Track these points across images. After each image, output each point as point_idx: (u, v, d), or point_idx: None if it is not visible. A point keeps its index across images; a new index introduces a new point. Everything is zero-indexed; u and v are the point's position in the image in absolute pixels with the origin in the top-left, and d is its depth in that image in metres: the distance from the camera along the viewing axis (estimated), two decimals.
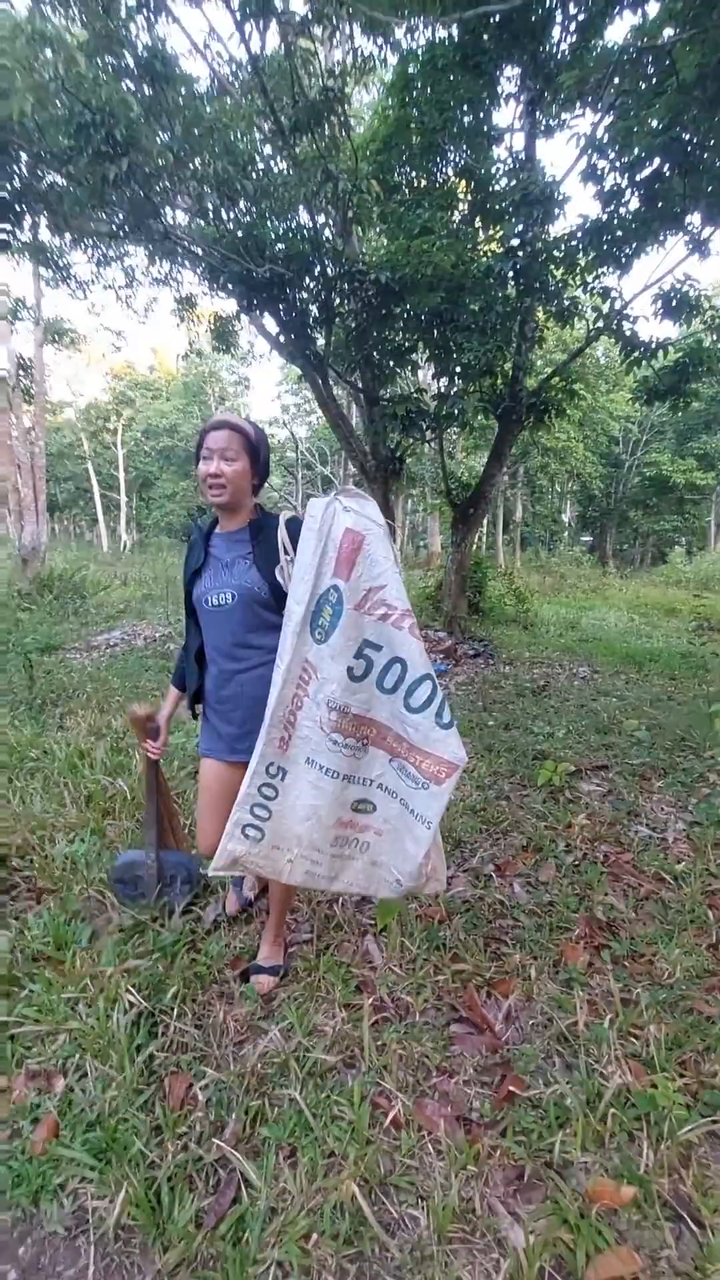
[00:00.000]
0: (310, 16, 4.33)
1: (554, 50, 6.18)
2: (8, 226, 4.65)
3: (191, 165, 4.51)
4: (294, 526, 1.61)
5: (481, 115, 6.91)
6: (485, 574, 10.18)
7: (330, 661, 1.45)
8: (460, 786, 3.41)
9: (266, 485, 1.89)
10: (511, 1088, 1.57)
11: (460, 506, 7.95)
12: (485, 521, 27.10)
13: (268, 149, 6.12)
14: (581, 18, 5.79)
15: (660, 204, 5.76)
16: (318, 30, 4.79)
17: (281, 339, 6.85)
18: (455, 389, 7.14)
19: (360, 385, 7.59)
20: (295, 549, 1.52)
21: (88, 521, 39.10)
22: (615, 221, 5.91)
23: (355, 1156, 1.39)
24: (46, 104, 3.70)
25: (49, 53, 4.66)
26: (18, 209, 4.45)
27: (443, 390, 7.24)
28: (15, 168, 4.37)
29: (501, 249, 6.24)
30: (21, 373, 12.58)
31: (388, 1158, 1.42)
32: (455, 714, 4.57)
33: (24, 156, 4.71)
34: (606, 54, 5.57)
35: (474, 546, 10.13)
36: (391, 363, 7.43)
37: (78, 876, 2.36)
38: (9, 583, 11.53)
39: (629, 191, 5.85)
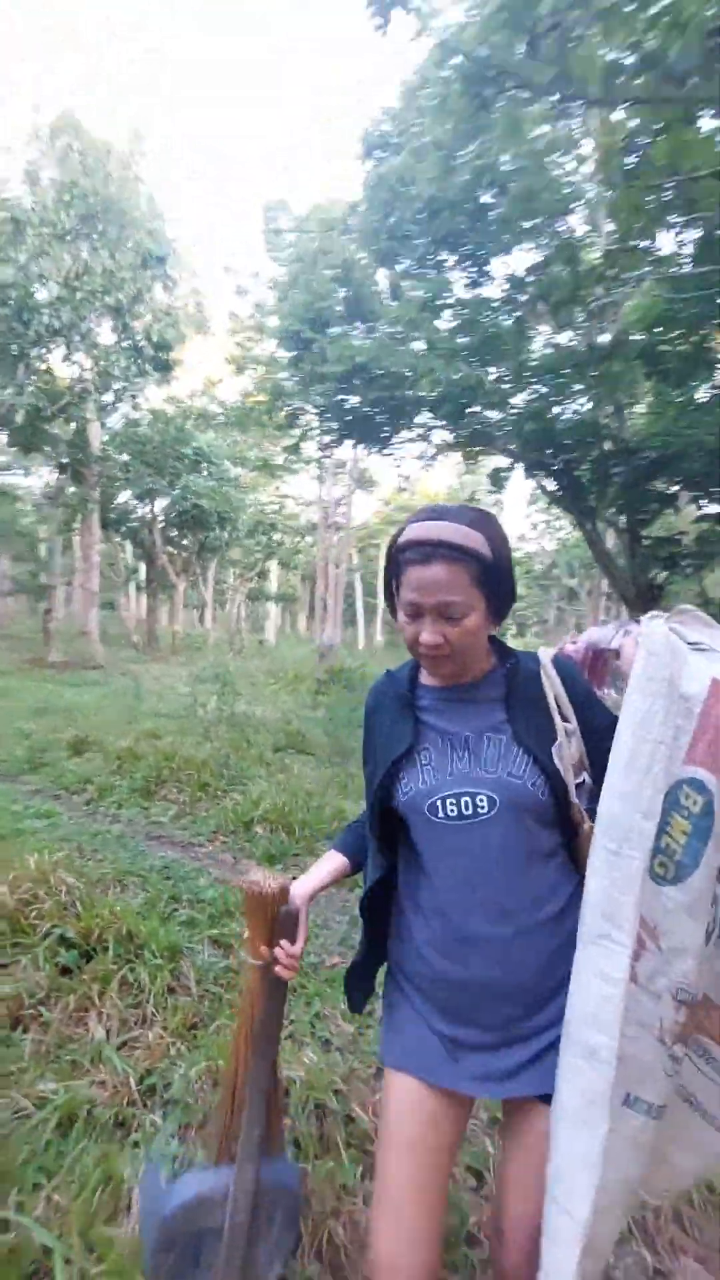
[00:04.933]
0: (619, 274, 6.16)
1: None
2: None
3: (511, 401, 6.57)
4: (566, 671, 1.03)
5: None
6: None
7: (685, 917, 0.82)
8: None
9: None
10: None
11: None
12: None
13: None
14: None
15: None
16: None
17: (558, 494, 8.51)
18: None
19: (624, 525, 8.83)
20: (574, 710, 0.99)
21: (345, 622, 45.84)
22: None
23: None
24: (430, 379, 5.99)
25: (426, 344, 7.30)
26: (390, 434, 6.94)
27: (705, 532, 8.11)
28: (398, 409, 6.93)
29: None
30: (333, 514, 16.58)
31: None
32: None
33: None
34: None
35: None
36: (656, 505, 8.57)
37: None
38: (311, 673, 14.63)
39: None
